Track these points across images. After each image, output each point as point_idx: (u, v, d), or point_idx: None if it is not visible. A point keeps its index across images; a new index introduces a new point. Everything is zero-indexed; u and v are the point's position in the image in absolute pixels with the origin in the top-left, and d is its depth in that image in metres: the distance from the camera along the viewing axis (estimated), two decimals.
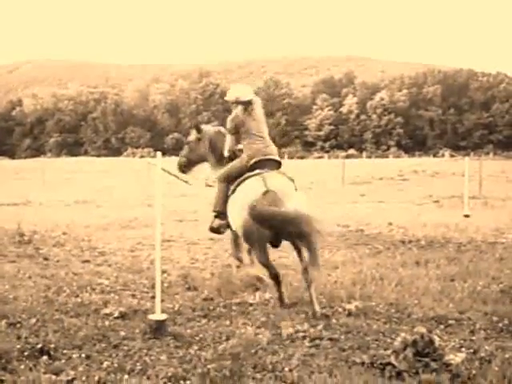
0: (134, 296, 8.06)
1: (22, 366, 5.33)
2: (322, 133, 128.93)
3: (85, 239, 13.37)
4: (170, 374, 5.19)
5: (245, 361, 5.45)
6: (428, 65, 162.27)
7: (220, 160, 8.78)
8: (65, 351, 5.76)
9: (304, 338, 6.27)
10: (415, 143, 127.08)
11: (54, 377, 5.09)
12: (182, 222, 16.59)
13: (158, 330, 6.30)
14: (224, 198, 8.20)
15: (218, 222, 8.53)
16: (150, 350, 5.86)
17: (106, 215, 18.77)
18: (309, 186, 32.70)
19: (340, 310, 7.29)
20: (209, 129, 9.30)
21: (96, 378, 5.09)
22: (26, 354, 5.65)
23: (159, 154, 6.85)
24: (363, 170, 46.18)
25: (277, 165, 8.14)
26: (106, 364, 5.41)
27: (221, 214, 8.34)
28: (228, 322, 6.83)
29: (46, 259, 10.92)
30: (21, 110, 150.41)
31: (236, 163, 8.20)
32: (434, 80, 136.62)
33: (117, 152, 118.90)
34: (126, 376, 5.15)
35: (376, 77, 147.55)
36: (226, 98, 8.75)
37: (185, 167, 9.57)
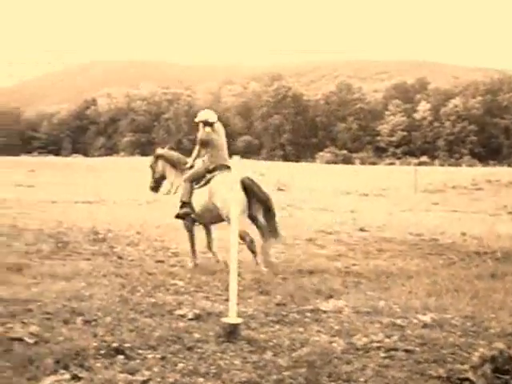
0: (207, 298, 8.08)
1: (98, 364, 5.38)
2: (394, 139, 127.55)
3: (158, 239, 13.50)
4: (244, 379, 5.16)
5: (320, 369, 5.40)
6: (502, 70, 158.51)
7: (179, 169, 11.35)
8: (140, 351, 5.79)
9: (378, 348, 6.17)
10: (489, 152, 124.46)
11: (129, 376, 5.12)
12: (251, 225, 16.54)
13: (232, 333, 6.28)
14: (190, 193, 10.66)
15: (183, 210, 10.78)
16: (223, 353, 5.84)
17: None
18: (381, 192, 32.46)
19: (415, 321, 7.17)
20: (163, 151, 12.07)
21: (171, 380, 5.10)
22: (102, 352, 5.71)
23: (236, 157, 6.85)
24: (436, 177, 45.47)
25: (228, 168, 10.35)
26: (180, 366, 5.42)
27: (187, 204, 10.70)
28: (302, 329, 6.77)
29: (120, 258, 11.06)
30: (95, 109, 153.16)
31: (200, 168, 10.77)
32: (509, 87, 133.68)
33: (188, 153, 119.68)
34: (201, 379, 5.14)
35: (449, 83, 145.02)
36: (196, 120, 11.09)
37: (155, 188, 12.12)
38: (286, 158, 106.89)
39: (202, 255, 11.47)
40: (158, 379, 5.10)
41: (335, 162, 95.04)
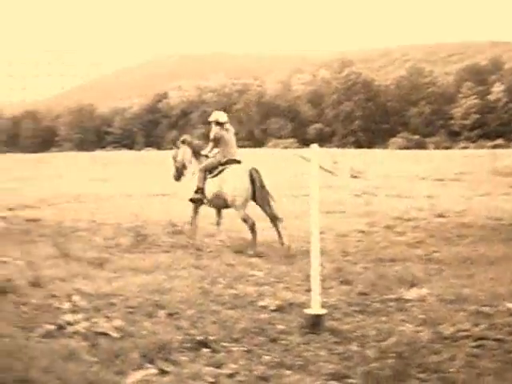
0: (288, 289, 8.01)
1: (184, 358, 5.38)
2: (467, 122, 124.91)
3: (234, 230, 13.47)
4: (331, 371, 5.09)
5: (408, 360, 5.27)
6: None
7: (198, 158, 12.70)
8: (224, 344, 5.77)
9: (467, 337, 6.01)
10: None
11: (216, 370, 5.10)
12: (329, 214, 16.40)
13: (315, 324, 6.22)
14: (204, 180, 12.13)
15: (197, 196, 12.24)
16: (308, 345, 5.78)
17: (254, 207, 18.88)
18: (456, 177, 31.85)
19: (503, 308, 6.96)
20: (189, 137, 13.78)
21: (257, 373, 5.06)
22: (186, 345, 5.71)
23: (315, 145, 6.74)
24: None
25: (238, 162, 12.22)
26: (266, 358, 5.37)
27: (201, 190, 12.14)
28: (385, 319, 6.66)
29: (198, 250, 11.09)
30: (167, 103, 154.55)
31: (213, 160, 12.23)
32: None
33: (260, 143, 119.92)
34: (288, 371, 5.09)
35: None
36: (209, 119, 12.70)
37: (177, 177, 13.42)
38: (358, 145, 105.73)
39: (274, 245, 11.43)
40: (245, 372, 5.07)
41: (408, 148, 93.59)
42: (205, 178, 12.15)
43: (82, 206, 19.96)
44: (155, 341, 5.74)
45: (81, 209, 18.71)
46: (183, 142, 13.26)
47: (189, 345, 5.71)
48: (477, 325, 6.32)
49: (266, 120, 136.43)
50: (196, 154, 12.84)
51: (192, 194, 12.31)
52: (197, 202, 12.41)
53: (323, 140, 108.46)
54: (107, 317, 6.64)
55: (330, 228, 13.71)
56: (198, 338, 5.82)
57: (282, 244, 11.36)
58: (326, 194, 21.87)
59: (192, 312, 6.81)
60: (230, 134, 12.49)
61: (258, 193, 11.74)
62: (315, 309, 6.35)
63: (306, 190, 23.95)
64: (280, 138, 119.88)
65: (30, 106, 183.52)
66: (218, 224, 12.65)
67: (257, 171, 11.76)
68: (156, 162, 59.72)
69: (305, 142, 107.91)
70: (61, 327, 6.28)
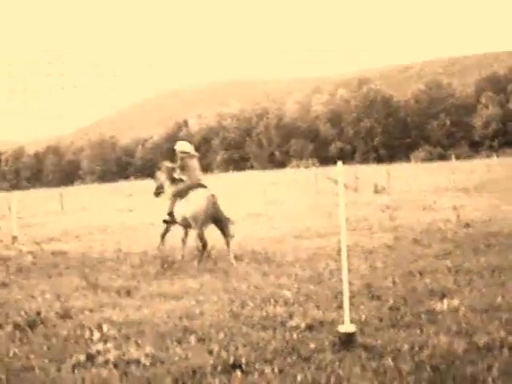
0: (318, 307, 7.93)
1: (217, 382, 5.33)
2: (488, 131, 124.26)
3: (261, 252, 13.44)
4: None
5: (444, 372, 5.18)
6: None
7: (173, 182, 14.28)
8: (257, 365, 5.72)
9: (502, 346, 5.91)
10: None
11: None
12: (355, 231, 16.33)
13: (347, 341, 6.15)
14: (173, 205, 13.76)
15: (167, 218, 13.99)
16: (341, 362, 5.71)
17: (279, 227, 18.87)
18: (481, 186, 31.64)
19: None
20: (166, 166, 15.01)
21: None
22: (219, 369, 5.66)
23: (340, 164, 6.69)
24: None
25: (203, 187, 13.60)
26: (299, 378, 5.31)
27: (170, 213, 13.79)
28: (418, 331, 6.56)
29: (225, 273, 11.04)
30: (187, 131, 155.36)
31: (182, 186, 13.71)
32: None
33: (281, 164, 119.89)
34: None
35: None
36: (176, 148, 14.42)
37: (157, 194, 15.43)
38: (379, 161, 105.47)
39: (308, 264, 11.38)
40: None
41: (430, 160, 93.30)
42: (174, 203, 13.78)
43: (108, 236, 20.02)
44: (187, 366, 5.70)
45: (106, 239, 18.76)
46: (159, 168, 15.40)
47: (221, 368, 5.66)
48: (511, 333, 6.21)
49: (286, 142, 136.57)
50: (170, 177, 14.47)
51: (165, 217, 14.14)
52: (168, 223, 14.24)
53: (345, 158, 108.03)
54: (137, 344, 6.62)
55: (357, 244, 13.63)
56: (230, 361, 5.76)
57: (230, 260, 12.57)
58: (351, 210, 21.80)
59: (222, 335, 6.76)
60: (194, 161, 14.12)
61: (215, 215, 13.14)
62: (346, 326, 6.27)
63: (327, 208, 23.88)
64: (301, 158, 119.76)
65: (52, 142, 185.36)
66: (183, 242, 13.91)
67: (213, 196, 13.20)
68: None
69: (326, 161, 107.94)
70: (91, 357, 6.25)
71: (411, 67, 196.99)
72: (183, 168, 13.92)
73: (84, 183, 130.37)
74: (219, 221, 13.22)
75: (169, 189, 14.42)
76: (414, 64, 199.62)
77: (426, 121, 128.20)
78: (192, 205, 13.17)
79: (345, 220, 6.76)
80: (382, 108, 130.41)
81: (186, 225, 13.63)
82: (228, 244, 12.95)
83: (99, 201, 48.46)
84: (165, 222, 14.26)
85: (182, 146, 14.33)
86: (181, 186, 13.81)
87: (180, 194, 13.69)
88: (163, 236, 14.57)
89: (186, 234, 14.00)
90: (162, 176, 15.05)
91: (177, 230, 14.17)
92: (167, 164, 15.22)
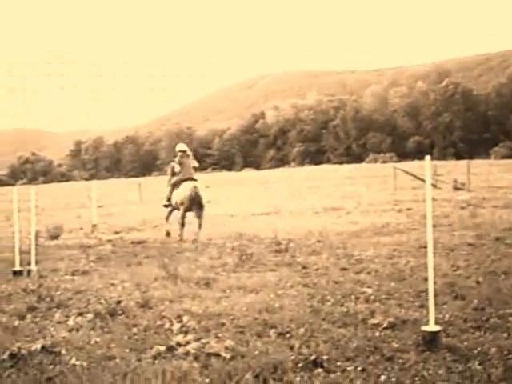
0: (400, 305, 7.77)
1: (298, 378, 5.26)
2: None
3: (339, 247, 13.30)
4: None
5: None
6: None
7: (173, 175, 18.19)
8: (338, 363, 5.62)
9: None
10: None
11: None
12: (435, 228, 15.99)
13: (431, 342, 5.99)
14: (170, 193, 17.82)
15: (165, 203, 18.17)
16: (426, 363, 5.56)
17: (357, 221, 18.69)
18: None
19: None
20: (173, 164, 18.49)
21: None
22: (299, 365, 5.59)
23: (428, 157, 6.51)
24: None
25: (193, 180, 17.36)
26: (383, 378, 5.19)
27: (168, 199, 17.92)
28: (506, 335, 6.34)
29: (304, 267, 10.95)
30: (264, 123, 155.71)
31: (177, 179, 17.67)
32: None
33: (358, 158, 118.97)
34: None
35: None
36: (176, 149, 18.42)
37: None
38: (458, 156, 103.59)
39: (389, 261, 11.21)
40: None
41: (511, 157, 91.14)
42: (172, 191, 17.79)
43: (188, 227, 20.16)
44: (267, 361, 5.64)
45: (186, 230, 18.88)
46: (169, 166, 19.05)
47: (302, 364, 5.58)
48: None
49: (363, 135, 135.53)
50: (173, 172, 18.19)
51: (164, 202, 18.32)
52: (167, 207, 18.16)
53: (422, 152, 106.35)
54: (217, 337, 6.59)
55: (438, 242, 13.34)
56: (312, 357, 5.68)
57: (197, 239, 16.04)
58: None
59: (303, 331, 6.68)
60: (189, 159, 18.08)
61: (194, 202, 16.78)
62: (431, 325, 6.11)
63: (406, 204, 23.55)
64: (379, 152, 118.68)
65: (130, 131, 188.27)
66: (183, 225, 17.07)
67: (195, 187, 16.81)
68: (256, 181, 60.20)
69: (404, 156, 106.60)
70: (172, 348, 6.25)
71: (492, 59, 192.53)
72: (180, 164, 17.82)
73: (162, 174, 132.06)
74: (198, 205, 16.81)
75: (168, 182, 18.23)
76: (495, 55, 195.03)
77: (508, 115, 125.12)
78: (181, 193, 17.10)
79: (429, 217, 6.56)
80: (461, 102, 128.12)
81: (178, 208, 17.33)
82: (200, 226, 16.67)
83: None
84: (165, 206, 18.24)
85: (180, 147, 18.40)
86: (177, 178, 17.74)
87: (176, 185, 17.65)
88: (167, 218, 18.20)
89: (183, 220, 17.05)
90: (168, 173, 18.79)
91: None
92: (172, 163, 18.68)
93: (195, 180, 17.35)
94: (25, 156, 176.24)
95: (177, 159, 17.91)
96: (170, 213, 18.06)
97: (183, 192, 16.93)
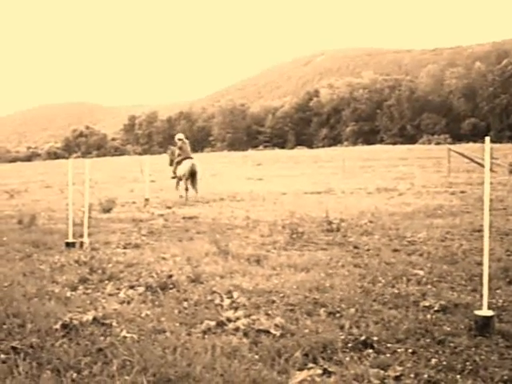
0: (452, 289, 7.67)
1: (348, 358, 5.23)
2: None
3: (392, 228, 13.17)
4: (505, 378, 4.79)
5: None
6: None
7: (177, 156, 24.10)
8: (388, 345, 5.58)
9: None
10: None
11: (381, 372, 4.91)
12: (490, 211, 15.72)
13: (484, 327, 5.89)
14: (175, 168, 23.78)
15: (173, 175, 24.13)
16: (477, 348, 5.48)
17: (410, 203, 18.50)
18: None
19: None
20: (172, 148, 25.68)
21: (425, 376, 4.83)
22: (349, 345, 5.56)
23: (487, 139, 6.37)
24: None
25: (191, 158, 23.42)
26: (433, 361, 5.13)
27: (174, 173, 23.93)
28: None
29: (355, 248, 10.88)
30: (318, 101, 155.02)
31: (179, 158, 23.57)
32: None
33: (412, 139, 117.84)
34: (458, 376, 4.83)
35: None
36: (176, 137, 24.56)
37: (170, 163, 24.77)
38: None
39: (441, 243, 11.06)
40: (412, 375, 4.85)
41: None
42: (176, 167, 23.64)
43: (237, 204, 20.22)
44: (317, 340, 5.62)
45: (236, 207, 18.94)
46: (169, 150, 25.96)
47: (352, 345, 5.55)
48: None
49: (418, 116, 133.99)
50: (172, 154, 24.70)
51: (171, 175, 24.49)
52: (174, 178, 24.08)
53: (478, 135, 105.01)
54: (267, 314, 6.60)
55: (492, 226, 13.10)
56: (362, 338, 5.65)
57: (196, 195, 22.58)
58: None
59: (353, 311, 6.64)
60: (186, 145, 23.80)
61: (192, 174, 22.54)
62: (484, 310, 6.02)
63: (460, 187, 23.25)
64: (433, 134, 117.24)
65: (185, 107, 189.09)
66: (186, 190, 22.47)
67: (193, 164, 22.62)
68: (308, 160, 60.09)
69: (459, 138, 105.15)
70: (222, 324, 6.27)
71: None
72: (180, 148, 23.70)
73: (214, 150, 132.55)
74: (194, 177, 22.53)
75: (175, 159, 23.96)
76: None
77: None
78: (183, 167, 22.88)
79: (486, 200, 6.45)
80: None
81: (182, 178, 22.94)
82: (196, 190, 22.60)
83: (229, 168, 49.15)
84: (172, 177, 24.32)
85: (179, 136, 24.53)
86: (179, 157, 23.52)
87: (179, 162, 23.44)
88: (176, 187, 23.99)
89: (186, 186, 22.45)
90: (172, 154, 24.84)
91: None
92: (172, 147, 25.56)
93: (192, 158, 23.36)
94: (79, 129, 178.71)
95: (178, 145, 23.83)
96: (177, 183, 23.94)
97: (184, 167, 22.71)
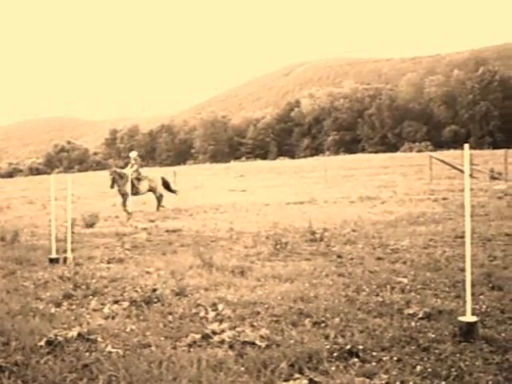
0: (435, 295, 7.71)
1: (334, 368, 5.24)
2: None
3: (375, 236, 13.24)
4: (490, 383, 4.82)
5: None
6: None
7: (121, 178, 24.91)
8: (374, 353, 5.59)
9: None
10: None
11: (367, 380, 4.92)
12: (471, 217, 15.79)
13: (468, 333, 5.93)
14: (137, 184, 24.82)
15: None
16: (462, 354, 5.51)
17: (392, 211, 18.59)
18: None
19: None
20: (114, 170, 25.99)
21: (411, 383, 4.86)
22: (335, 354, 5.57)
23: (466, 146, 6.43)
24: None
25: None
26: (419, 368, 5.15)
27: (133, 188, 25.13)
28: None
29: (339, 257, 10.92)
30: (299, 111, 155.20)
31: (141, 176, 25.25)
32: None
33: (393, 147, 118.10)
34: (443, 382, 4.86)
35: None
36: (131, 155, 26.08)
37: (111, 186, 24.61)
38: (495, 146, 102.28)
39: (424, 251, 11.13)
40: (397, 383, 4.87)
41: None
42: (138, 184, 24.59)
43: (220, 215, 20.22)
44: (303, 350, 5.63)
45: (219, 219, 18.95)
46: (111, 171, 24.99)
47: (337, 354, 5.57)
48: None
49: (399, 124, 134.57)
50: (121, 175, 24.31)
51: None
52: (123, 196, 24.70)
53: (458, 142, 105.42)
54: (252, 325, 6.60)
55: (474, 232, 13.19)
56: (347, 347, 5.66)
57: (158, 208, 24.22)
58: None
59: (338, 320, 6.65)
60: (138, 163, 25.24)
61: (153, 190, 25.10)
62: (468, 316, 6.05)
63: (442, 194, 23.35)
64: (414, 141, 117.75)
65: (166, 120, 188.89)
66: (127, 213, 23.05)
67: (164, 178, 25.85)
68: (290, 170, 60.14)
69: (440, 145, 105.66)
70: (207, 336, 6.27)
71: None
72: (139, 165, 25.31)
73: (196, 162, 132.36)
74: (154, 192, 24.85)
75: (120, 181, 23.97)
76: None
77: None
78: (146, 184, 24.72)
79: (467, 207, 6.50)
80: (499, 90, 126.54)
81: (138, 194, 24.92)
82: (159, 203, 24.58)
83: (212, 180, 49.12)
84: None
85: (134, 154, 25.84)
86: (139, 175, 24.79)
87: (140, 179, 24.53)
88: (124, 204, 24.00)
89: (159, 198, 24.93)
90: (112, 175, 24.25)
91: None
92: (115, 169, 26.13)
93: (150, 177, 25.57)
94: (60, 144, 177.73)
95: (137, 163, 25.14)
96: (125, 199, 23.99)
97: (147, 183, 24.85)
